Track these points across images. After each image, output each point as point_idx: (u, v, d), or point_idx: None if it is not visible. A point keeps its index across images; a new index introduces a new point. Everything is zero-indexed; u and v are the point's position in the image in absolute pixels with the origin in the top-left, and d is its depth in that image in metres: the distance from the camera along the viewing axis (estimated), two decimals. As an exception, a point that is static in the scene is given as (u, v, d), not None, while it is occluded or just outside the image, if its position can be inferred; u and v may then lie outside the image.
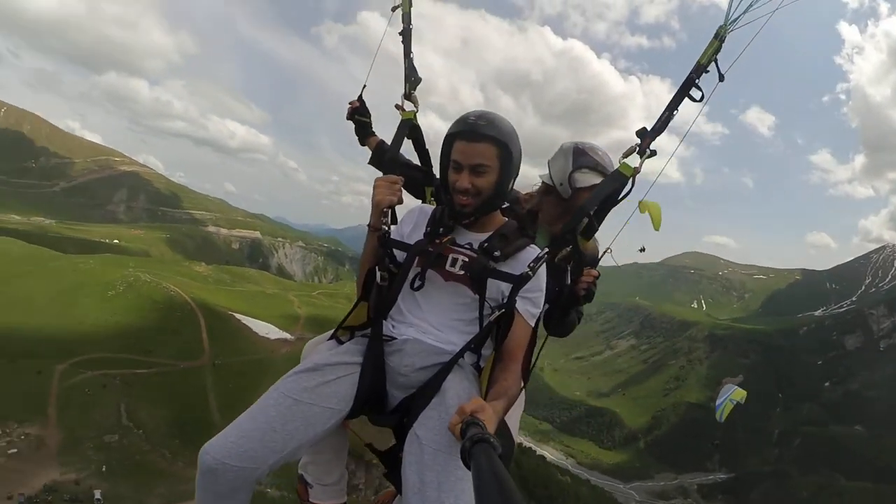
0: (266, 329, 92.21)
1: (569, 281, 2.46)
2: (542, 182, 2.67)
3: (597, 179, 2.49)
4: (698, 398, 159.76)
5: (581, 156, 2.52)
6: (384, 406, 1.99)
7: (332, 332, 2.17)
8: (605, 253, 2.69)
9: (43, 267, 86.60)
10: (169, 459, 53.70)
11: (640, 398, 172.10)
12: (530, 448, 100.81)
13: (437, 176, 2.19)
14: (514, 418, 2.13)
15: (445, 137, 2.02)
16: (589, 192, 2.49)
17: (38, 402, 55.35)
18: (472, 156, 1.96)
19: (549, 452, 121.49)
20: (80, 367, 65.13)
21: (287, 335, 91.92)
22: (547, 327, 2.60)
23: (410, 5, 2.77)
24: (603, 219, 2.49)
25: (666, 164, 2.34)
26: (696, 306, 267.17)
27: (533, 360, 2.42)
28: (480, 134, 1.95)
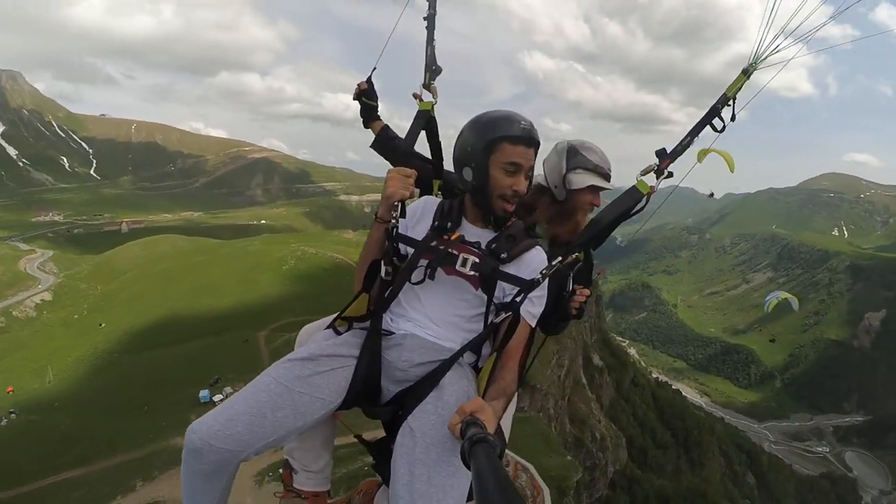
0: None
1: (570, 288, 2.37)
2: (537, 182, 2.59)
3: (592, 180, 2.43)
4: (839, 334, 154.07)
5: (575, 156, 2.46)
6: (378, 399, 2.00)
7: (327, 319, 2.19)
8: (600, 273, 2.68)
9: (215, 254, 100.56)
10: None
11: (778, 334, 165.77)
12: (666, 382, 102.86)
13: (457, 172, 2.10)
14: (507, 417, 2.09)
15: (491, 139, 1.94)
16: (584, 193, 2.45)
17: (254, 362, 63.79)
18: (529, 160, 1.99)
19: (683, 390, 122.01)
20: (278, 331, 73.58)
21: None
22: (542, 327, 2.48)
23: None
24: (611, 232, 2.37)
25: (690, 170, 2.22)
26: (836, 234, 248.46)
27: (529, 361, 2.24)
28: (535, 140, 1.99)
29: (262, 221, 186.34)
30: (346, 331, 2.07)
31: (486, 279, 1.98)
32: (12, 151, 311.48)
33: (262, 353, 69.84)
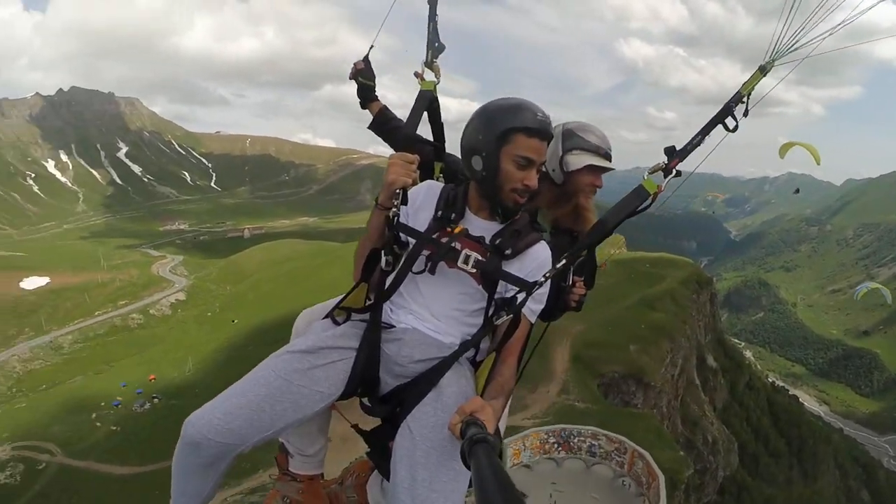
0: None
1: (570, 281, 2.39)
2: None
3: (590, 160, 2.38)
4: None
5: (570, 137, 2.41)
6: (375, 391, 1.98)
7: (326, 305, 2.18)
8: (602, 266, 2.64)
9: (334, 256, 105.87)
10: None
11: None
12: (783, 387, 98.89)
13: (464, 160, 1.99)
14: (504, 414, 2.03)
15: (505, 129, 1.84)
16: (583, 175, 2.41)
17: None
18: (542, 154, 1.93)
19: (801, 397, 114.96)
20: None
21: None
22: (539, 316, 2.42)
23: None
24: (616, 228, 2.23)
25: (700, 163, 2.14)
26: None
27: (527, 356, 2.26)
28: (550, 134, 1.92)
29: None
30: (345, 321, 2.03)
31: (487, 277, 1.93)
32: (136, 169, 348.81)
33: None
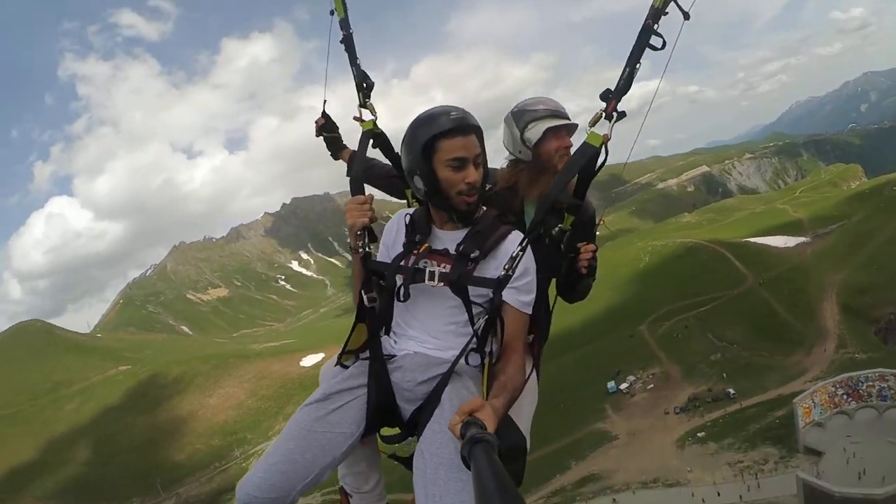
0: (781, 241, 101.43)
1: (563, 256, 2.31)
2: (508, 161, 2.52)
3: (547, 124, 2.31)
4: None
5: (521, 115, 2.38)
6: (399, 420, 2.02)
7: (336, 355, 2.21)
8: (600, 222, 2.54)
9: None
10: (766, 357, 65.19)
11: None
12: None
13: (410, 183, 2.07)
14: (524, 412, 2.07)
15: (424, 141, 1.90)
16: (548, 141, 2.33)
17: (646, 352, 72.44)
18: (473, 148, 1.94)
19: None
20: (657, 322, 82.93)
21: (803, 238, 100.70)
22: (562, 295, 2.51)
23: (345, 10, 2.50)
24: (585, 193, 2.26)
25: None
26: None
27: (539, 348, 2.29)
28: (472, 126, 1.94)
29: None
30: (353, 363, 2.09)
31: (455, 286, 1.94)
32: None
33: (650, 343, 76.49)
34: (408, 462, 1.92)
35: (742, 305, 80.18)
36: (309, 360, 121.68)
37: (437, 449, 1.72)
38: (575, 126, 2.37)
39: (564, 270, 2.32)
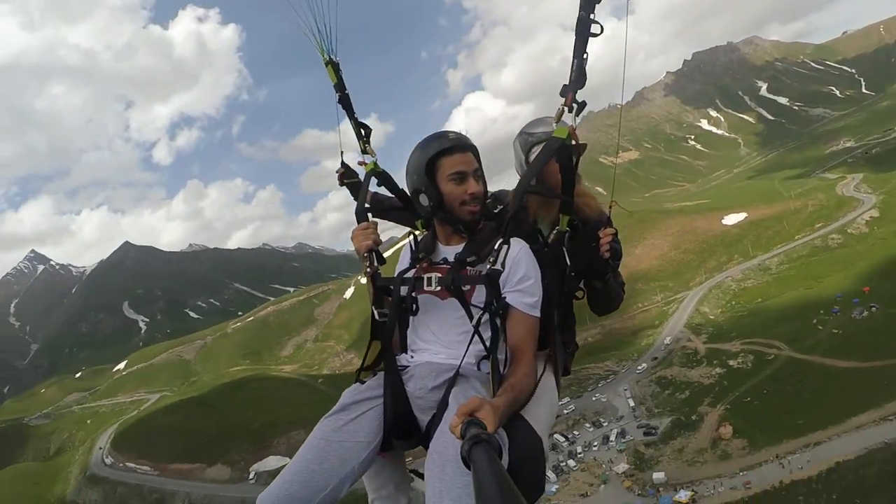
0: None
1: (568, 261, 2.27)
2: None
3: None
4: None
5: (525, 140, 2.53)
6: (416, 431, 2.04)
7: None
8: (611, 208, 2.54)
9: None
10: None
11: None
12: None
13: (416, 204, 2.25)
14: (540, 414, 2.01)
15: (426, 162, 2.12)
16: (551, 164, 2.30)
17: None
18: (471, 163, 2.13)
19: None
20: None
21: None
22: (594, 308, 2.57)
23: (340, 76, 2.63)
24: (571, 187, 2.22)
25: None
26: None
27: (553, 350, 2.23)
28: (468, 145, 2.16)
29: None
30: (372, 378, 2.19)
31: (450, 289, 2.04)
32: (783, 100, 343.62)
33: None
34: None
35: None
36: (731, 219, 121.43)
37: (443, 448, 1.72)
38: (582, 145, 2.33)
39: (590, 265, 2.38)
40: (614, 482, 51.70)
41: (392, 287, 2.20)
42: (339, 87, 2.66)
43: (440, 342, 2.14)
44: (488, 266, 2.06)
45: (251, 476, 77.41)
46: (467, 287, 2.10)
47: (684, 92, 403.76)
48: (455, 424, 1.46)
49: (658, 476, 49.92)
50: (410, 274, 2.21)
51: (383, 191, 2.75)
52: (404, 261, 2.36)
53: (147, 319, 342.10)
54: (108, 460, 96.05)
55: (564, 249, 2.28)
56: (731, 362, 67.60)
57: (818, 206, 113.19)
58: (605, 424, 62.57)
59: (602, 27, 1.99)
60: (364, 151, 2.65)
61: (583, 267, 2.37)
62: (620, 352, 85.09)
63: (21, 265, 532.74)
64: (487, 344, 2.01)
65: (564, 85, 2.08)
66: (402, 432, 2.03)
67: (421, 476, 1.98)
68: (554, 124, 2.16)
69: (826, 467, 43.69)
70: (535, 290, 2.09)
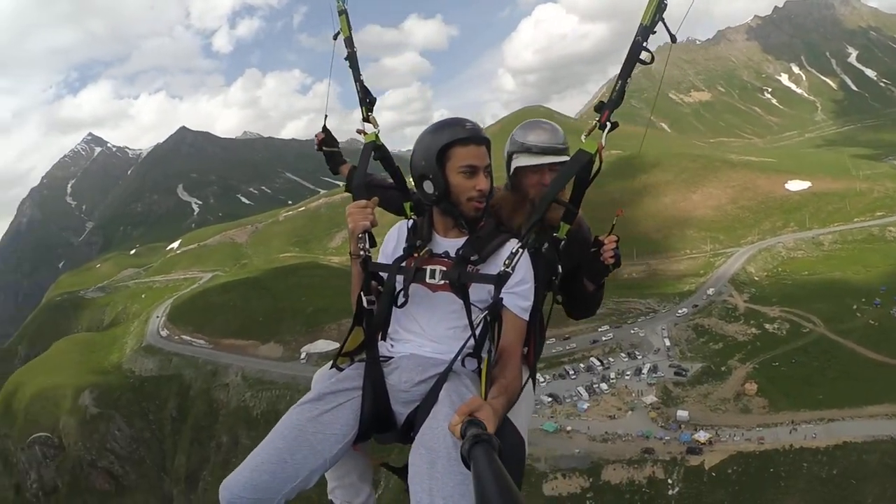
0: None
1: (560, 268, 2.30)
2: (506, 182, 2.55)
3: (524, 161, 2.38)
4: None
5: (513, 142, 2.46)
6: (394, 424, 2.01)
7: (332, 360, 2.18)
8: (621, 211, 2.56)
9: None
10: None
11: None
12: None
13: (418, 189, 2.15)
14: (522, 416, 2.04)
15: (440, 147, 2.00)
16: (526, 175, 2.40)
17: None
18: (483, 158, 2.04)
19: None
20: None
21: None
22: (573, 311, 2.54)
23: (350, 29, 2.59)
24: (580, 200, 2.26)
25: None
26: None
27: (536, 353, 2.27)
28: (483, 137, 2.04)
29: None
30: (349, 366, 2.12)
31: (456, 285, 1.98)
32: (870, 73, 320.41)
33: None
34: (401, 472, 1.89)
35: None
36: (794, 185, 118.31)
37: (434, 443, 1.67)
38: (560, 162, 2.36)
39: (591, 268, 2.39)
40: (641, 411, 56.14)
41: (385, 275, 2.17)
42: (350, 42, 2.59)
43: (426, 335, 2.10)
44: (494, 267, 2.03)
45: (302, 356, 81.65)
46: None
47: (769, 40, 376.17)
48: (455, 423, 1.47)
49: (682, 414, 54.01)
50: (409, 264, 2.13)
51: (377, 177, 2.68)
52: (394, 246, 2.29)
53: (200, 202, 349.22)
54: (164, 332, 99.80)
55: (558, 256, 2.30)
56: (767, 325, 69.55)
57: (884, 194, 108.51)
58: (639, 357, 65.94)
59: (653, 56, 2.02)
60: (366, 120, 2.53)
61: (572, 269, 2.41)
62: (662, 292, 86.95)
63: (78, 147, 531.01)
64: (479, 343, 1.97)
65: (601, 102, 2.11)
66: (379, 426, 2.01)
67: (392, 469, 2.06)
68: (583, 138, 2.15)
69: (834, 443, 47.12)
70: (530, 295, 2.09)
